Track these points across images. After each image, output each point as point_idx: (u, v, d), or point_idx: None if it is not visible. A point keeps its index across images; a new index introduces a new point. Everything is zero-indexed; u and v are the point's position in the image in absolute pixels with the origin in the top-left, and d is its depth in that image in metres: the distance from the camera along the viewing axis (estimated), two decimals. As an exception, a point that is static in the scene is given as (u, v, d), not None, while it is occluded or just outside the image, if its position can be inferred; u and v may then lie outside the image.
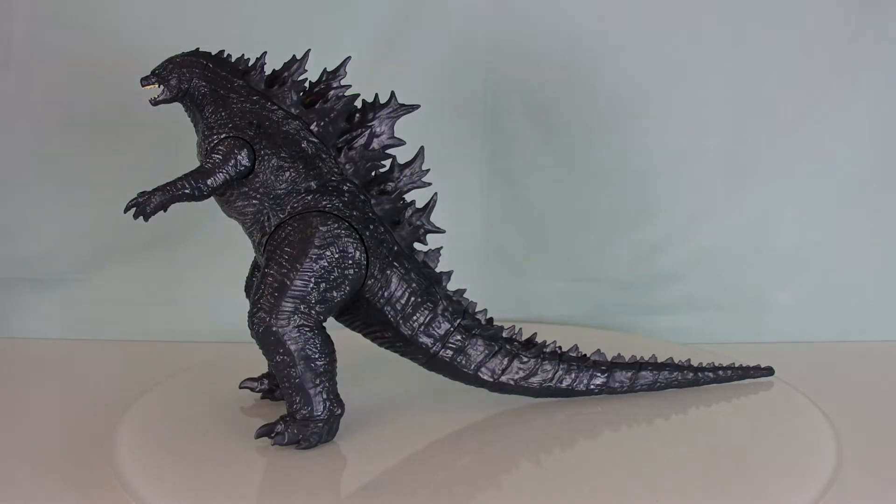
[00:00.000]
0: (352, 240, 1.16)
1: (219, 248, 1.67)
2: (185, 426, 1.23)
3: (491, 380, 1.25)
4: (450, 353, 1.23)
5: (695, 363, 1.36)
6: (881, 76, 1.67)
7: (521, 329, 1.28)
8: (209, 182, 1.13)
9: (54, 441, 1.29)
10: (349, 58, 1.23)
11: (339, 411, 1.16)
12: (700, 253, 1.74)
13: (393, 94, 1.22)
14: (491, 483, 1.10)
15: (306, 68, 1.21)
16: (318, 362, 1.13)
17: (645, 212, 1.73)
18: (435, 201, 1.25)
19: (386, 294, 1.18)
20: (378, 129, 1.20)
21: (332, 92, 1.20)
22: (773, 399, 1.35)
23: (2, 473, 1.21)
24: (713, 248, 1.74)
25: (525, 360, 1.26)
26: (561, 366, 1.27)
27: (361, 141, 1.19)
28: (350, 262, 1.15)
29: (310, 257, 1.13)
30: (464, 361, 1.23)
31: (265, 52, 1.23)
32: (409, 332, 1.20)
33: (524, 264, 1.76)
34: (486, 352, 1.24)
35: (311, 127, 1.18)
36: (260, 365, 1.29)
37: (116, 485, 1.08)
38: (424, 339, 1.21)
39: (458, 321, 1.23)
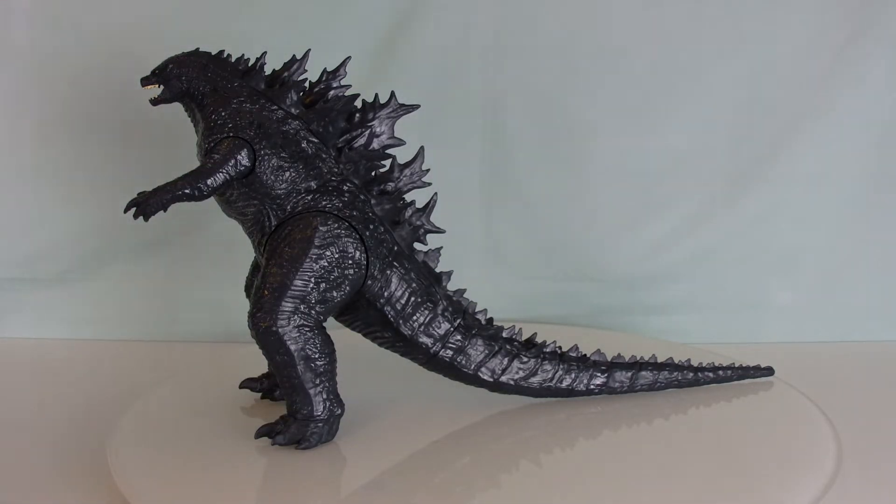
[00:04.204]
0: (352, 240, 1.16)
1: (219, 248, 1.67)
2: (185, 426, 1.23)
3: (491, 380, 1.25)
4: (450, 353, 1.23)
5: (695, 363, 1.36)
6: (881, 76, 1.67)
7: (521, 329, 1.28)
8: (209, 182, 1.13)
9: (54, 441, 1.29)
10: (349, 58, 1.23)
11: (339, 411, 1.16)
12: (700, 253, 1.74)
13: (393, 94, 1.22)
14: (491, 483, 1.10)
15: (306, 68, 1.22)
16: (318, 362, 1.13)
17: (645, 212, 1.73)
18: (435, 201, 1.25)
19: (386, 294, 1.18)
20: (378, 129, 1.20)
21: (331, 92, 1.20)
22: (773, 399, 1.35)
23: (1, 473, 1.21)
24: (713, 248, 1.74)
25: (525, 360, 1.26)
26: (561, 366, 1.27)
27: (361, 141, 1.19)
28: (350, 262, 1.15)
29: (310, 257, 1.13)
30: (464, 361, 1.23)
31: (265, 52, 1.23)
32: (409, 332, 1.20)
33: (524, 264, 1.76)
34: (486, 352, 1.24)
35: (311, 127, 1.18)
36: (260, 365, 1.29)
37: (116, 484, 1.08)
38: (424, 339, 1.21)
39: (458, 321, 1.23)
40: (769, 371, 1.40)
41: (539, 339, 1.28)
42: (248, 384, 1.32)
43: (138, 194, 1.13)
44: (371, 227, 1.18)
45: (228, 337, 1.67)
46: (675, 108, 1.69)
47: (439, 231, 1.24)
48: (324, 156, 1.18)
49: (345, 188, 1.18)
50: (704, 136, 1.70)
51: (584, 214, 1.73)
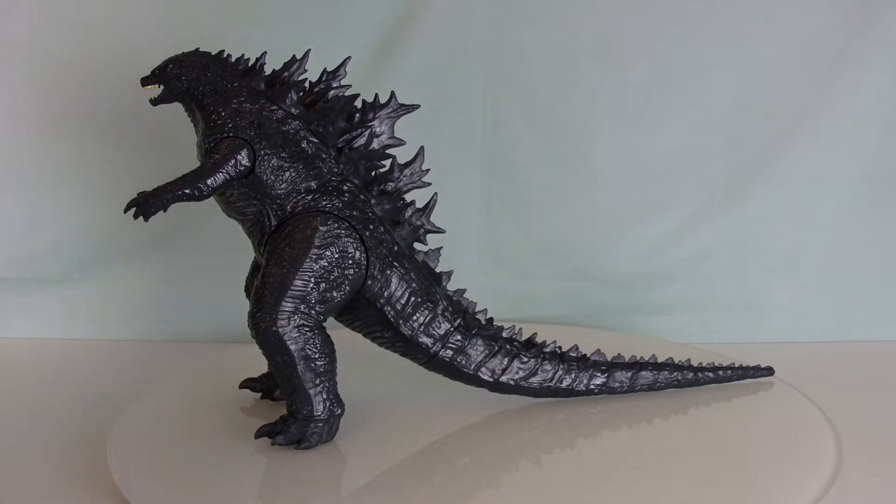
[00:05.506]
0: (352, 240, 1.16)
1: (219, 248, 1.67)
2: (185, 426, 1.23)
3: (491, 380, 1.25)
4: (450, 353, 1.23)
5: (695, 363, 1.36)
6: (881, 76, 1.67)
7: (521, 329, 1.28)
8: (209, 182, 1.13)
9: (53, 441, 1.29)
10: (349, 58, 1.23)
11: (339, 411, 1.16)
12: (700, 253, 1.74)
13: (393, 94, 1.22)
14: (491, 483, 1.10)
15: (306, 68, 1.22)
16: (318, 362, 1.13)
17: (645, 212, 1.73)
18: (435, 201, 1.25)
19: (386, 294, 1.18)
20: (378, 129, 1.20)
21: (331, 92, 1.20)
22: (773, 399, 1.35)
23: (1, 474, 1.21)
24: (713, 248, 1.74)
25: (525, 360, 1.26)
26: (561, 366, 1.28)
27: (361, 141, 1.19)
28: (350, 262, 1.15)
29: (310, 257, 1.13)
30: (464, 361, 1.23)
31: (265, 52, 1.23)
32: (409, 332, 1.20)
33: (524, 264, 1.76)
34: (486, 352, 1.24)
35: (311, 127, 1.18)
36: (260, 365, 1.29)
37: (115, 485, 1.08)
38: (424, 339, 1.21)
39: (458, 321, 1.23)
40: (769, 371, 1.40)
41: (539, 339, 1.28)
42: (248, 384, 1.32)
43: (138, 194, 1.13)
44: (371, 227, 1.18)
45: (228, 337, 1.67)
46: (676, 108, 1.69)
47: (439, 231, 1.24)
48: (324, 156, 1.18)
49: (345, 188, 1.18)
50: (704, 136, 1.70)
51: (584, 214, 1.73)
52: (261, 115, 1.17)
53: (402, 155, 1.22)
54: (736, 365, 1.39)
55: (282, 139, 1.17)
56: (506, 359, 1.25)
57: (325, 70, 1.22)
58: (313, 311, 1.13)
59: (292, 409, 1.15)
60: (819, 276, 1.75)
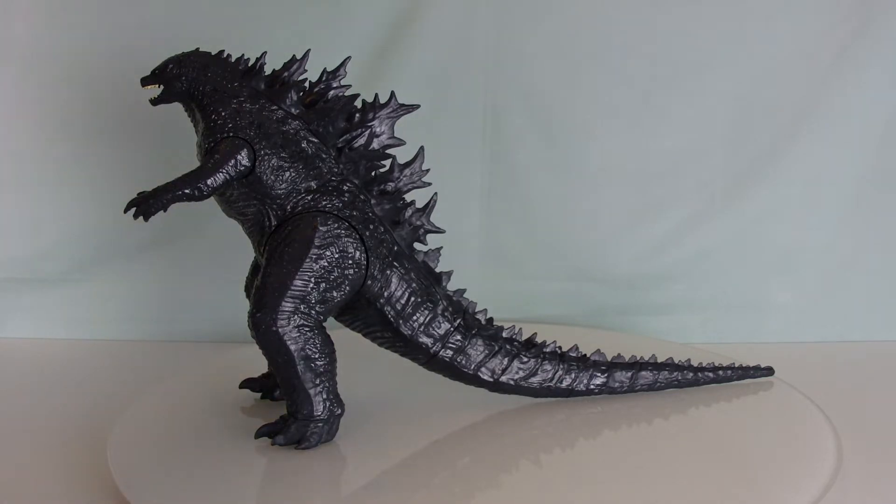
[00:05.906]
0: (352, 240, 1.16)
1: (219, 247, 1.67)
2: (185, 426, 1.23)
3: (491, 380, 1.25)
4: (450, 353, 1.23)
5: (695, 363, 1.36)
6: (881, 76, 1.67)
7: (521, 329, 1.28)
8: (209, 182, 1.13)
9: (54, 441, 1.29)
10: (349, 58, 1.23)
11: (339, 411, 1.16)
12: (700, 253, 1.74)
13: (393, 94, 1.22)
14: (491, 483, 1.10)
15: (306, 68, 1.22)
16: (318, 362, 1.13)
17: (645, 212, 1.73)
18: (435, 201, 1.25)
19: (386, 294, 1.18)
20: (378, 129, 1.20)
21: (331, 92, 1.20)
22: (773, 399, 1.35)
23: (1, 474, 1.21)
24: (713, 248, 1.74)
25: (525, 360, 1.26)
26: (561, 366, 1.28)
27: (361, 141, 1.19)
28: (350, 262, 1.15)
29: (310, 257, 1.13)
30: (464, 361, 1.23)
31: (265, 52, 1.23)
32: (409, 332, 1.20)
33: (524, 264, 1.76)
34: (486, 352, 1.24)
35: (311, 127, 1.18)
36: (260, 365, 1.29)
37: (115, 485, 1.08)
38: (424, 339, 1.21)
39: (458, 321, 1.23)
40: (769, 371, 1.40)
41: (539, 339, 1.28)
42: (248, 384, 1.32)
43: (138, 194, 1.13)
44: (371, 227, 1.18)
45: (228, 337, 1.67)
46: (676, 108, 1.69)
47: (439, 231, 1.24)
48: (324, 156, 1.18)
49: (345, 188, 1.18)
50: (704, 136, 1.70)
51: (584, 214, 1.73)
52: (261, 115, 1.17)
53: (402, 155, 1.22)
54: (736, 365, 1.39)
55: (282, 139, 1.17)
56: (506, 359, 1.25)
57: (325, 70, 1.22)
58: (313, 311, 1.13)
59: (292, 409, 1.15)
60: (819, 276, 1.75)
